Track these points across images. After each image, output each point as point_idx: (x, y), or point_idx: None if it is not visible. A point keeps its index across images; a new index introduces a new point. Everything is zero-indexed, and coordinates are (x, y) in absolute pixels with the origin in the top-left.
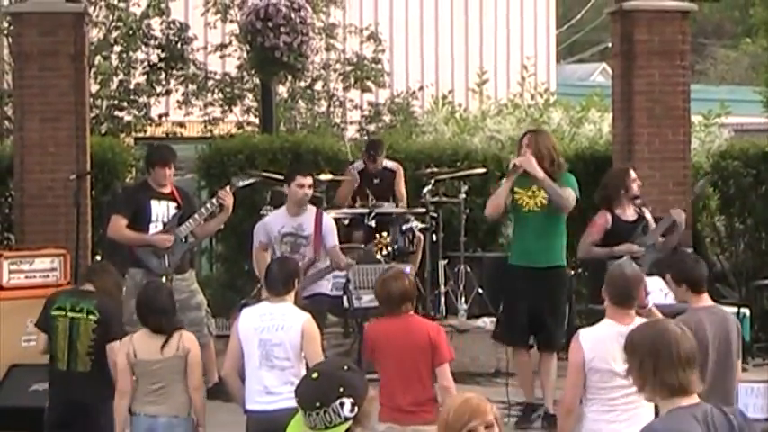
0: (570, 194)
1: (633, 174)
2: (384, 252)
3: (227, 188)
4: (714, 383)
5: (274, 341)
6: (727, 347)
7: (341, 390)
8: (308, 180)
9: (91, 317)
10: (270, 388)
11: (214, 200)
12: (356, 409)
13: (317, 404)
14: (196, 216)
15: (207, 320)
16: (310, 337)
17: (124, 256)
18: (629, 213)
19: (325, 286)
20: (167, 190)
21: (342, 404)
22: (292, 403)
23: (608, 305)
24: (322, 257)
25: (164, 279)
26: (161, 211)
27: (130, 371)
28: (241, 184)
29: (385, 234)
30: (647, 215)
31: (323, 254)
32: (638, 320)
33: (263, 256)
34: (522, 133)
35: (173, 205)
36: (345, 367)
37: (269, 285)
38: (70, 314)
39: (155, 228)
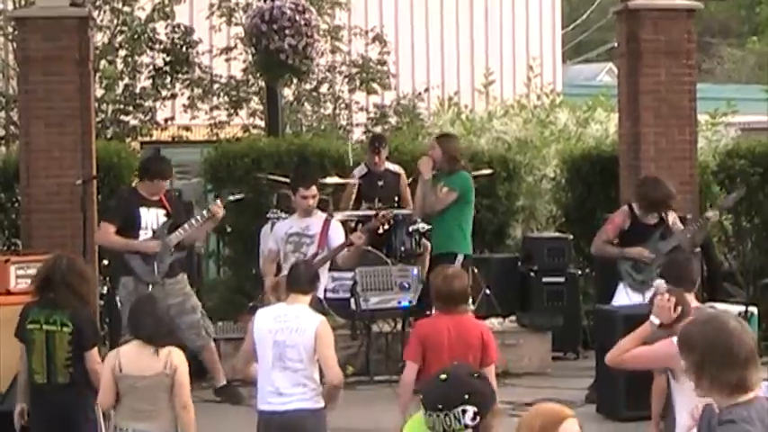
0: (443, 194)
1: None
2: (386, 227)
3: (218, 201)
4: None
5: (288, 343)
6: None
7: (466, 397)
8: (312, 191)
9: (65, 329)
10: (281, 389)
11: (205, 212)
12: (478, 418)
13: (439, 406)
14: (186, 226)
15: (203, 322)
16: (324, 340)
17: (118, 264)
18: (650, 216)
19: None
20: (156, 197)
21: (464, 411)
22: (303, 405)
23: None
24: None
25: (150, 287)
26: (150, 218)
27: (114, 386)
28: (231, 198)
29: (387, 211)
30: (670, 219)
31: (326, 251)
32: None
33: (270, 268)
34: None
35: (161, 212)
36: (476, 375)
37: (294, 282)
38: (45, 327)
39: (144, 235)
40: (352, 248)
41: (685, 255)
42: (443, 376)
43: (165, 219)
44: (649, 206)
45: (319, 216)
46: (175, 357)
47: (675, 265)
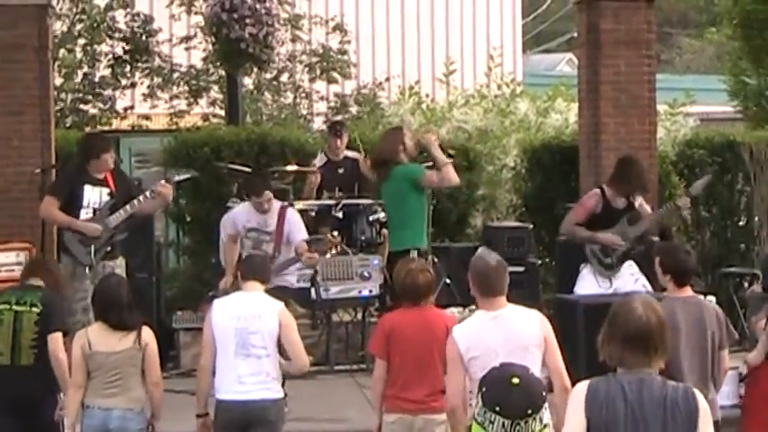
0: None
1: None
2: (333, 251)
3: (164, 181)
4: (690, 372)
5: (251, 329)
6: (701, 337)
7: (544, 393)
8: (266, 196)
9: (34, 309)
10: (243, 377)
11: (148, 193)
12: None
13: (529, 411)
14: (128, 207)
15: None
16: (289, 326)
17: (58, 245)
18: (620, 201)
19: (288, 280)
20: (102, 175)
21: (546, 408)
22: (265, 394)
23: (477, 297)
24: (283, 253)
25: (87, 269)
26: (94, 196)
27: (85, 364)
28: (177, 178)
29: (336, 234)
30: (637, 202)
31: (284, 250)
32: (510, 306)
33: (232, 247)
34: (393, 129)
35: (105, 191)
36: (530, 371)
37: (253, 271)
38: (15, 307)
39: (86, 214)
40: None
41: (683, 248)
42: (515, 380)
43: (108, 198)
44: (626, 187)
45: (276, 206)
46: (145, 334)
47: (678, 260)
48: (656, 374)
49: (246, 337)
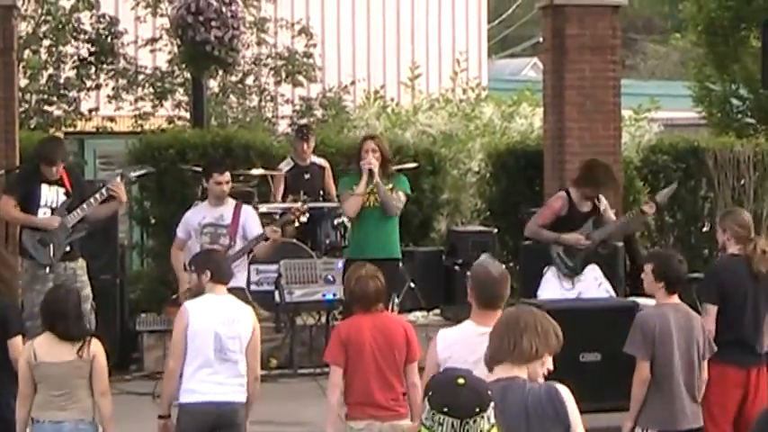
0: (402, 197)
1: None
2: (302, 219)
3: (119, 179)
4: (679, 381)
5: (230, 334)
6: (689, 346)
7: (489, 392)
8: (225, 177)
9: None
10: (219, 380)
11: (104, 190)
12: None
13: (477, 410)
14: (85, 206)
15: (90, 314)
16: (258, 333)
17: (18, 248)
18: (585, 205)
19: (241, 279)
20: (58, 176)
21: (492, 407)
22: (237, 397)
23: (473, 306)
24: (238, 245)
25: (47, 270)
26: (51, 196)
27: (31, 376)
28: (133, 174)
29: (300, 204)
30: (602, 206)
31: (239, 242)
32: None
33: (177, 255)
34: (363, 137)
35: (62, 191)
36: (473, 372)
37: (221, 275)
38: None
39: (44, 213)
40: (269, 242)
41: (677, 256)
42: (461, 381)
43: (64, 198)
44: (592, 190)
45: (231, 203)
46: (93, 345)
47: (673, 268)
48: (521, 378)
49: (225, 342)
